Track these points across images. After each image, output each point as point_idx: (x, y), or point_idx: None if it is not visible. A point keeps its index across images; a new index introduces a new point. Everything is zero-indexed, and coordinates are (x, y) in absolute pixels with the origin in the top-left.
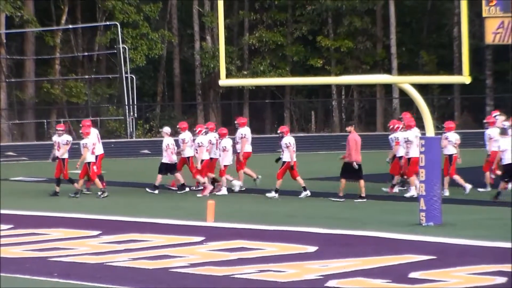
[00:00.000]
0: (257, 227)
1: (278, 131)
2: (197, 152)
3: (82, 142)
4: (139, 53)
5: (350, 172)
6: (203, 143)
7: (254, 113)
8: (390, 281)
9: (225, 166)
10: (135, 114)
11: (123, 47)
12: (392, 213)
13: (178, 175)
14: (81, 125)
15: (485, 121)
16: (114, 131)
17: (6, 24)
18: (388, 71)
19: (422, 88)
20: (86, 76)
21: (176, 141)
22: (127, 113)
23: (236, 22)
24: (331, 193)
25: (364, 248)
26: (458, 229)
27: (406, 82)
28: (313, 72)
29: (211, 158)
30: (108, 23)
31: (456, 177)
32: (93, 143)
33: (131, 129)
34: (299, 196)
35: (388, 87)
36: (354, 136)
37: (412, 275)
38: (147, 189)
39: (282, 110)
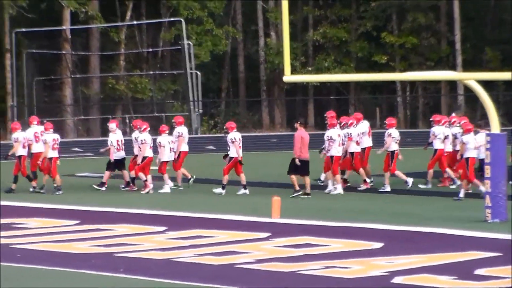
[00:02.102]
0: (323, 223)
1: (224, 127)
2: (140, 150)
3: (42, 138)
4: (203, 49)
5: (297, 168)
6: (146, 140)
7: (318, 110)
8: (456, 277)
9: (164, 162)
10: (200, 110)
11: (187, 43)
12: (456, 210)
13: (125, 172)
14: (30, 121)
15: (431, 119)
16: None
17: (71, 20)
18: (453, 67)
19: (486, 84)
20: (151, 72)
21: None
22: (192, 109)
23: (300, 18)
24: (397, 189)
25: (429, 245)
26: None
27: (471, 78)
28: (378, 68)
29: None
30: (172, 19)
31: (398, 173)
32: (53, 138)
33: (196, 125)
34: (237, 193)
35: (452, 83)
36: (301, 133)
37: (478, 271)
38: (94, 185)
39: (347, 106)
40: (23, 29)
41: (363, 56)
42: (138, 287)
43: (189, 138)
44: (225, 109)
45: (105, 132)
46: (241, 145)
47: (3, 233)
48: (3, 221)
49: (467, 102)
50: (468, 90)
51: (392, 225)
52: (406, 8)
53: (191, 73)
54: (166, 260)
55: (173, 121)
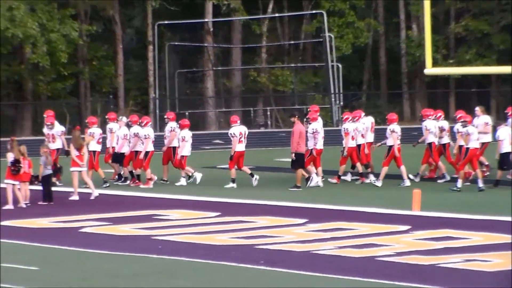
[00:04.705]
0: (464, 216)
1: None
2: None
3: (89, 131)
4: (345, 42)
5: (296, 162)
6: (150, 134)
7: (460, 102)
8: None
9: (183, 156)
10: (341, 103)
11: (329, 36)
12: None
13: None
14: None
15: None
16: None
17: (213, 13)
18: None
19: None
20: (292, 65)
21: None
22: (333, 102)
23: (442, 10)
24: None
25: None
26: None
27: None
28: None
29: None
30: (314, 11)
31: (385, 168)
32: (99, 133)
33: (337, 118)
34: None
35: None
36: (299, 127)
37: None
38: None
39: (488, 99)
40: (166, 22)
41: (505, 48)
42: (278, 279)
43: (330, 130)
44: (366, 102)
45: (247, 124)
46: (242, 139)
47: (145, 225)
48: (144, 213)
49: None
50: None
51: None
52: None
53: (332, 66)
54: (306, 253)
55: (165, 117)
